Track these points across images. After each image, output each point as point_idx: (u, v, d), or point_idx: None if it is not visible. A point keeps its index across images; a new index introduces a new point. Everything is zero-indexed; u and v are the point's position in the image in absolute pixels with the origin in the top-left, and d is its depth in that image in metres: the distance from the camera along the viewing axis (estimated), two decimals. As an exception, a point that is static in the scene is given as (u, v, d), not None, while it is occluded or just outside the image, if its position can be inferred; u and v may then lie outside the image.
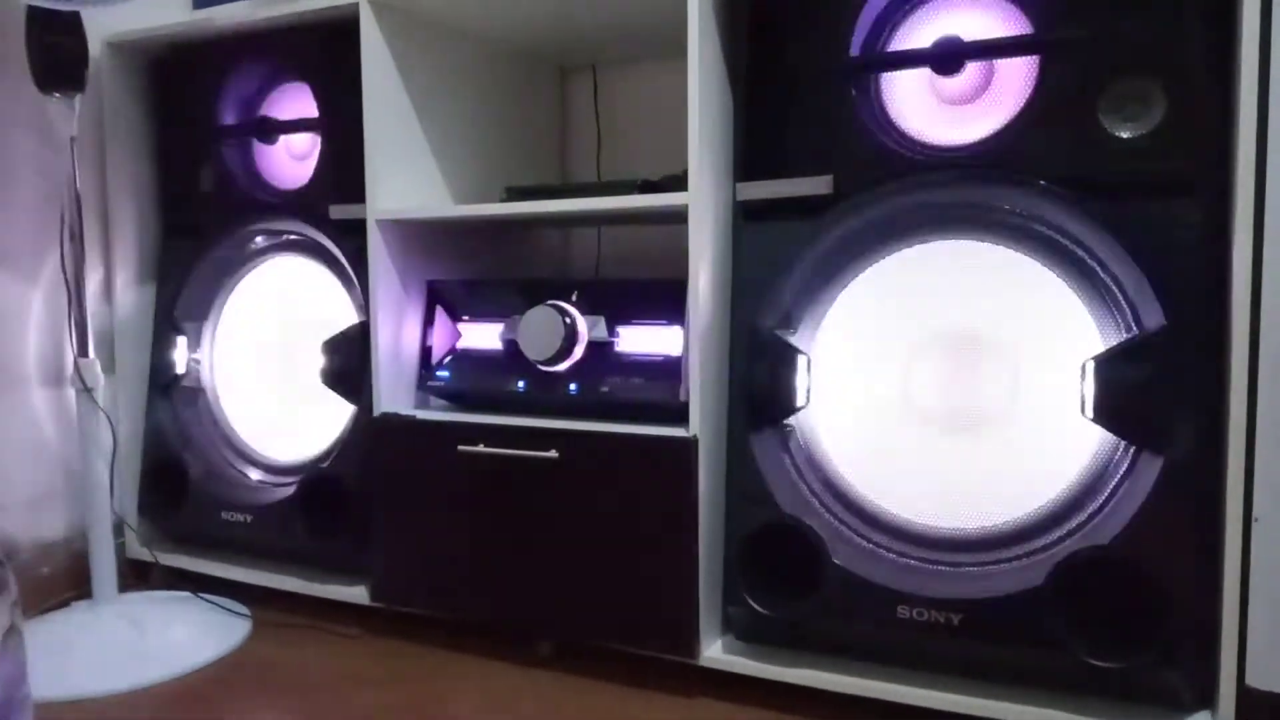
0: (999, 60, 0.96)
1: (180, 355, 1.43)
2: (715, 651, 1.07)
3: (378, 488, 1.23)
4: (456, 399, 1.28)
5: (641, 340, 1.13)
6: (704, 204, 1.05)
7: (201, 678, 1.14)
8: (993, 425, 0.96)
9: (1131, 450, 0.90)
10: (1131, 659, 0.87)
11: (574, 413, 1.17)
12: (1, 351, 1.34)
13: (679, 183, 1.07)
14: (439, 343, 1.27)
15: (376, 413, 1.24)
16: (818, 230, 1.02)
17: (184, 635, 1.24)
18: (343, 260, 1.29)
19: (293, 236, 1.35)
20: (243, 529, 1.35)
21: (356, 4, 1.21)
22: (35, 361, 1.38)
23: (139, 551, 1.45)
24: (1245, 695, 0.86)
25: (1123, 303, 0.90)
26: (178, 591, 1.38)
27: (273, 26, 1.32)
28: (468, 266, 1.41)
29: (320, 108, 1.31)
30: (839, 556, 0.99)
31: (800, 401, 1.02)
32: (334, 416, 1.31)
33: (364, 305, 1.26)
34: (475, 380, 1.23)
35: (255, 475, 1.36)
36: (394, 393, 1.26)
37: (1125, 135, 0.90)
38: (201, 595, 1.36)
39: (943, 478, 0.97)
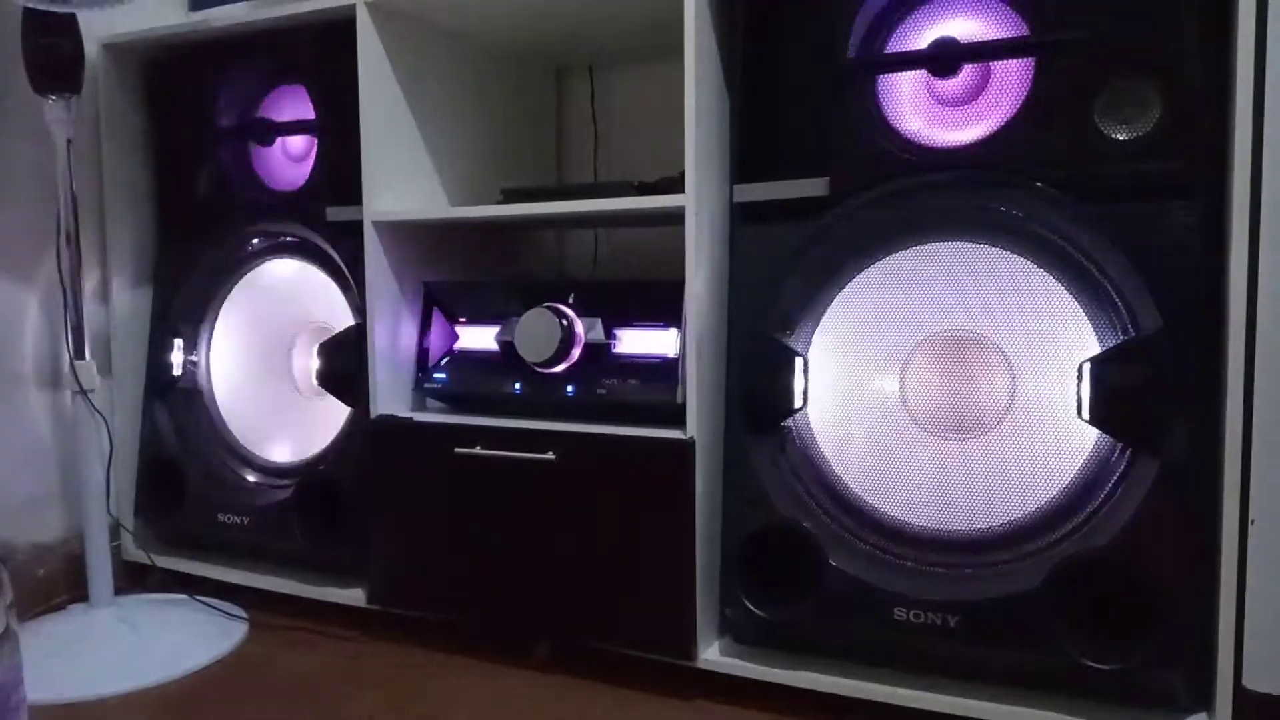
0: (995, 62, 0.96)
1: (177, 357, 1.43)
2: (713, 654, 1.07)
3: (375, 490, 1.23)
4: (453, 401, 1.28)
5: (638, 342, 1.13)
6: (701, 206, 1.05)
7: (198, 680, 1.14)
8: (989, 427, 0.96)
9: (1128, 452, 0.90)
10: (1128, 661, 0.87)
11: (571, 415, 1.17)
12: (-3, 354, 1.34)
13: (676, 184, 1.07)
14: (436, 345, 1.27)
15: (373, 415, 1.24)
16: (815, 232, 1.02)
17: (180, 638, 1.23)
18: (339, 262, 1.29)
19: (289, 238, 1.34)
20: (240, 531, 1.35)
21: (353, 5, 1.21)
22: (32, 364, 1.38)
23: (135, 554, 1.45)
24: (1242, 696, 0.86)
25: (1119, 305, 0.90)
26: (174, 594, 1.38)
27: (269, 28, 1.31)
28: (464, 268, 1.41)
29: (316, 109, 1.31)
30: (836, 559, 0.99)
31: (797, 403, 1.02)
32: (331, 419, 1.31)
33: (360, 307, 1.26)
34: (472, 382, 1.23)
35: (252, 477, 1.36)
36: (391, 395, 1.26)
37: (1121, 137, 0.90)
38: (198, 598, 1.36)
39: (939, 479, 0.98)
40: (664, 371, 1.10)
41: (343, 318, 1.29)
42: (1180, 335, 0.88)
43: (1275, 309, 0.84)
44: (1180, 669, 0.87)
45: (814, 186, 1.02)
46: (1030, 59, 0.93)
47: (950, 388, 0.98)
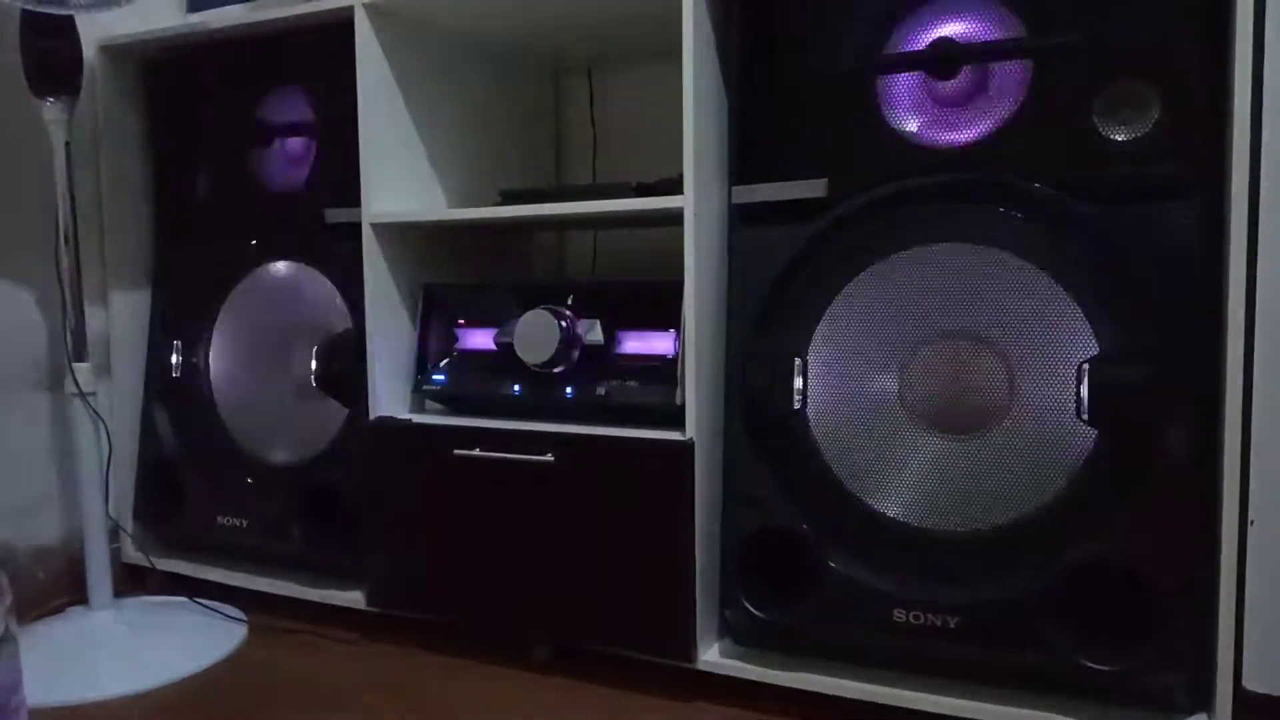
0: (994, 64, 0.96)
1: (175, 359, 1.43)
2: (712, 655, 1.07)
3: (374, 492, 1.23)
4: (452, 403, 1.28)
5: (637, 343, 1.12)
6: (699, 207, 1.05)
7: (198, 683, 1.14)
8: (988, 428, 0.96)
9: (1127, 453, 0.89)
10: (1128, 662, 0.88)
11: (570, 416, 1.16)
12: (-4, 356, 1.34)
13: (675, 186, 1.07)
14: (435, 346, 1.27)
15: (373, 417, 1.24)
16: (813, 233, 1.02)
17: (180, 640, 1.23)
18: (338, 264, 1.29)
19: (288, 240, 1.34)
20: (239, 534, 1.35)
21: (351, 7, 1.21)
22: (31, 366, 1.38)
23: (135, 556, 1.45)
24: (1242, 697, 0.86)
25: (1118, 305, 0.90)
26: (174, 597, 1.38)
27: (267, 30, 1.31)
28: (463, 270, 1.41)
29: (315, 111, 1.31)
30: (835, 560, 0.99)
31: (796, 404, 1.02)
32: (330, 421, 1.31)
33: (359, 309, 1.25)
34: (471, 384, 1.23)
35: (251, 480, 1.36)
36: (390, 397, 1.26)
37: (1120, 138, 0.90)
38: (198, 600, 1.36)
39: (939, 481, 0.97)
40: (663, 373, 1.10)
41: (341, 319, 1.29)
42: (1179, 336, 0.88)
43: (1274, 309, 0.84)
44: (1180, 670, 0.87)
45: (813, 188, 1.02)
46: (1029, 61, 0.93)
47: (949, 389, 0.98)
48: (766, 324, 1.05)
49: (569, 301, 1.16)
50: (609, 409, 1.13)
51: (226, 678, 1.15)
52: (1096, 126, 0.90)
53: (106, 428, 1.29)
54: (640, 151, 1.53)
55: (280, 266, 1.36)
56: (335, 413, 1.30)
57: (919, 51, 0.98)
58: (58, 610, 1.32)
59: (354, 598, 1.28)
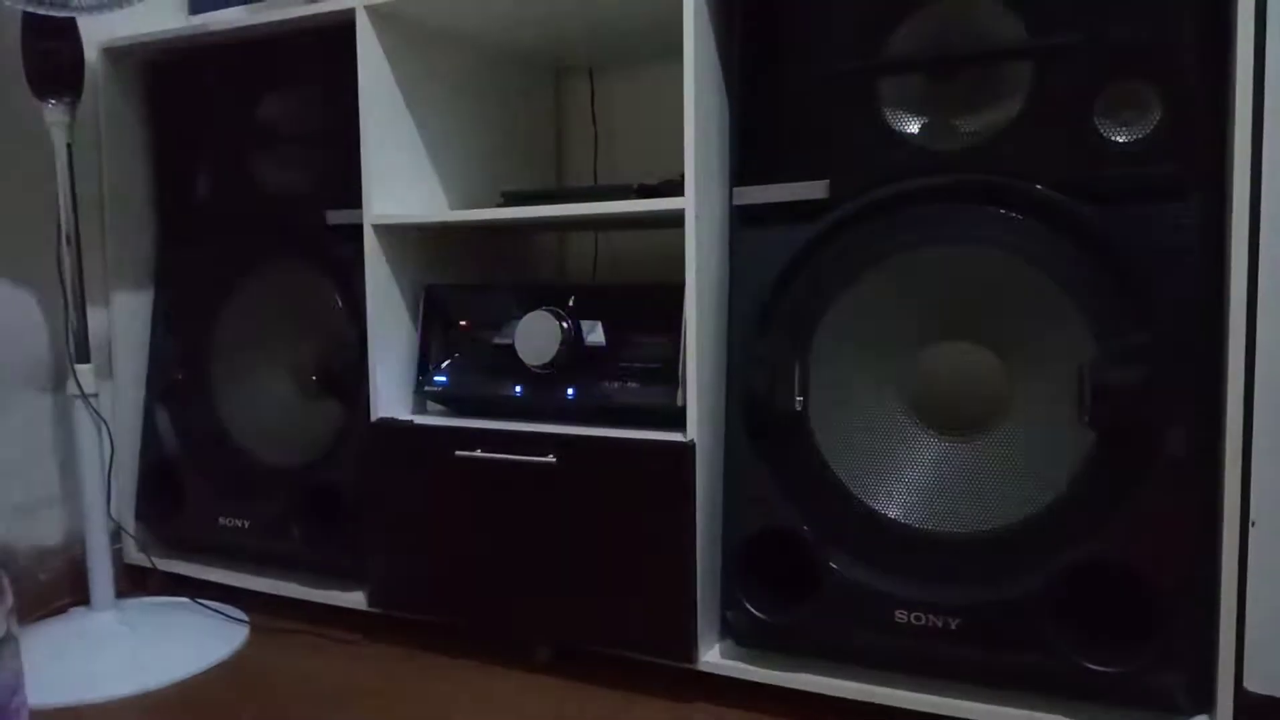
0: (994, 65, 0.96)
1: (178, 361, 1.43)
2: (713, 656, 1.07)
3: (375, 493, 1.23)
4: (454, 404, 1.28)
5: (639, 345, 1.12)
6: (700, 208, 1.05)
7: (199, 684, 1.14)
8: (989, 429, 0.96)
9: (1128, 454, 0.89)
10: (1129, 663, 0.88)
11: (571, 417, 1.17)
12: (-2, 358, 1.34)
13: (676, 187, 1.07)
14: (436, 348, 1.27)
15: (374, 418, 1.24)
16: (814, 234, 1.02)
17: (182, 641, 1.24)
18: (340, 265, 1.29)
19: (289, 241, 1.34)
20: (241, 534, 1.35)
21: (353, 9, 1.22)
22: (33, 367, 1.38)
23: (137, 557, 1.45)
24: (1243, 698, 0.86)
25: (1119, 306, 0.90)
26: (175, 597, 1.38)
27: (268, 32, 1.31)
28: (465, 271, 1.41)
29: (316, 113, 1.31)
30: (837, 561, 0.99)
31: (797, 406, 1.02)
32: (331, 422, 1.31)
33: (361, 310, 1.26)
34: (472, 385, 1.23)
35: (253, 481, 1.36)
36: (391, 398, 1.26)
37: (1121, 139, 0.90)
38: (199, 601, 1.36)
39: (940, 482, 0.98)
40: (664, 374, 1.10)
41: (342, 321, 1.29)
42: (1180, 337, 0.88)
43: (1275, 310, 0.84)
44: (1181, 671, 0.87)
45: (813, 189, 1.02)
46: (1029, 62, 0.93)
47: (950, 390, 0.98)
48: (767, 325, 1.05)
49: (570, 303, 1.16)
50: (610, 410, 1.13)
51: (228, 678, 1.16)
52: (1097, 127, 0.91)
53: (108, 428, 1.29)
54: (642, 153, 1.53)
55: (282, 267, 1.36)
56: (336, 414, 1.30)
57: (919, 53, 0.98)
58: (59, 611, 1.33)
59: (355, 598, 1.28)
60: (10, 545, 1.35)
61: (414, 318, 1.30)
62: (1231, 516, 0.86)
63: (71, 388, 1.23)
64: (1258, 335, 0.85)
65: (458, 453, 1.16)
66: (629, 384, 1.12)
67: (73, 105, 1.22)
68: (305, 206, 1.31)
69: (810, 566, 1.00)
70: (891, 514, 0.99)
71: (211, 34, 1.34)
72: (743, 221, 1.08)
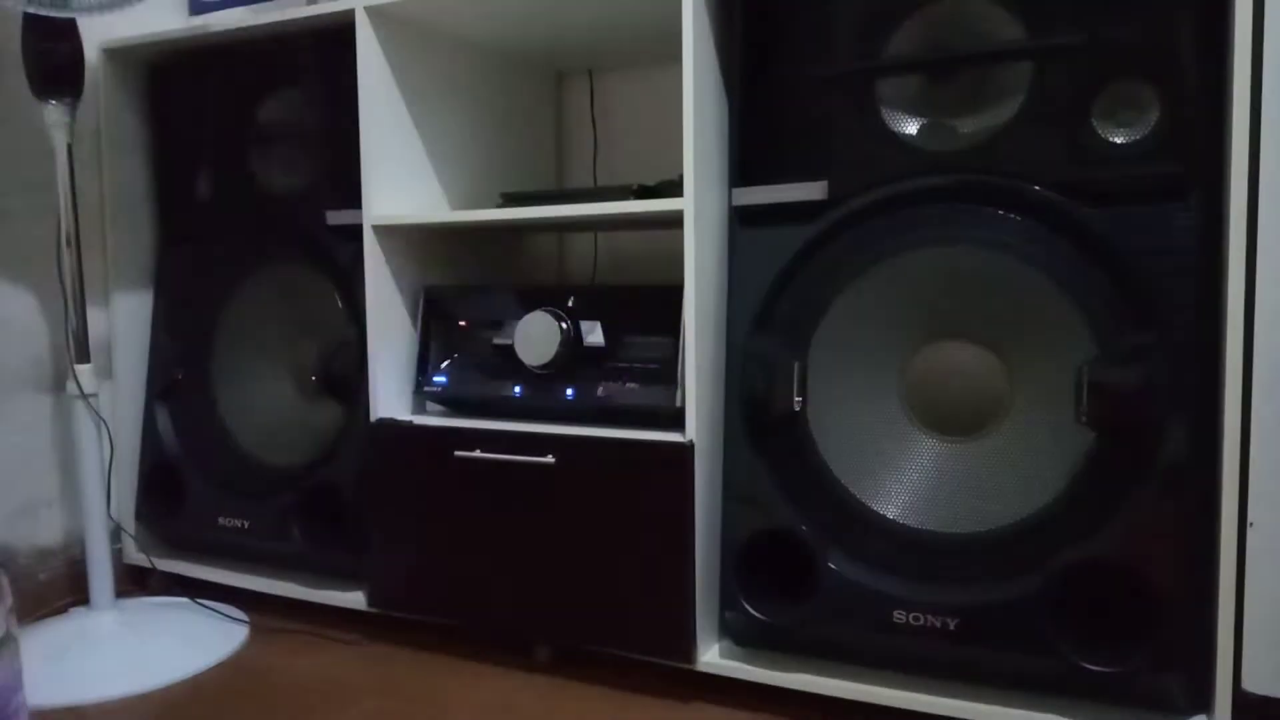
0: (993, 66, 0.96)
1: (178, 361, 1.43)
2: (712, 656, 1.07)
3: (375, 493, 1.23)
4: (453, 404, 1.28)
5: (638, 345, 1.13)
6: (699, 209, 1.05)
7: (199, 684, 1.14)
8: (988, 430, 0.96)
9: (1126, 455, 0.90)
10: (1127, 664, 0.88)
11: (570, 418, 1.17)
12: (-1, 358, 1.35)
13: (675, 188, 1.08)
14: (435, 348, 1.27)
15: (373, 418, 1.24)
16: (813, 235, 1.03)
17: (182, 641, 1.24)
18: (339, 265, 1.29)
19: (289, 242, 1.35)
20: (240, 534, 1.35)
21: (352, 10, 1.22)
22: (33, 367, 1.38)
23: (137, 557, 1.45)
24: (1241, 699, 0.86)
25: (1117, 307, 0.90)
26: (175, 597, 1.38)
27: (269, 33, 1.32)
28: (464, 272, 1.41)
29: (317, 114, 1.31)
30: (835, 561, 0.99)
31: (796, 406, 1.03)
32: (331, 422, 1.31)
33: (361, 310, 1.26)
34: (472, 386, 1.23)
35: (252, 481, 1.36)
36: (391, 398, 1.27)
37: (1119, 140, 0.90)
38: (199, 601, 1.36)
39: (938, 482, 0.98)
40: (663, 375, 1.10)
41: (342, 321, 1.30)
42: (1178, 337, 0.88)
43: (1273, 310, 0.84)
44: (1179, 672, 0.87)
45: (812, 190, 1.02)
46: (1028, 63, 0.94)
47: (949, 390, 0.99)
48: (766, 325, 1.05)
49: (569, 303, 1.16)
50: (609, 411, 1.13)
51: (227, 678, 1.16)
52: (1095, 128, 0.91)
53: (108, 429, 1.29)
54: (642, 153, 1.54)
55: (282, 268, 1.37)
56: (336, 414, 1.30)
57: (918, 54, 0.98)
58: (59, 610, 1.33)
59: (355, 598, 1.28)
60: (10, 545, 1.35)
61: (414, 318, 1.30)
62: (1229, 517, 0.86)
63: (71, 388, 1.24)
64: (1255, 335, 0.85)
65: (457, 453, 1.16)
66: (628, 384, 1.12)
67: (73, 106, 1.22)
68: (305, 207, 1.32)
69: (809, 567, 1.01)
70: (890, 514, 0.99)
71: (212, 34, 1.34)
72: (742, 222, 1.08)
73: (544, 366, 1.15)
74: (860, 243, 1.01)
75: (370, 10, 1.21)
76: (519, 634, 1.18)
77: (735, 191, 1.08)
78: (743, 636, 1.07)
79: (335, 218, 1.28)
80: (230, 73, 1.38)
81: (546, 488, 1.12)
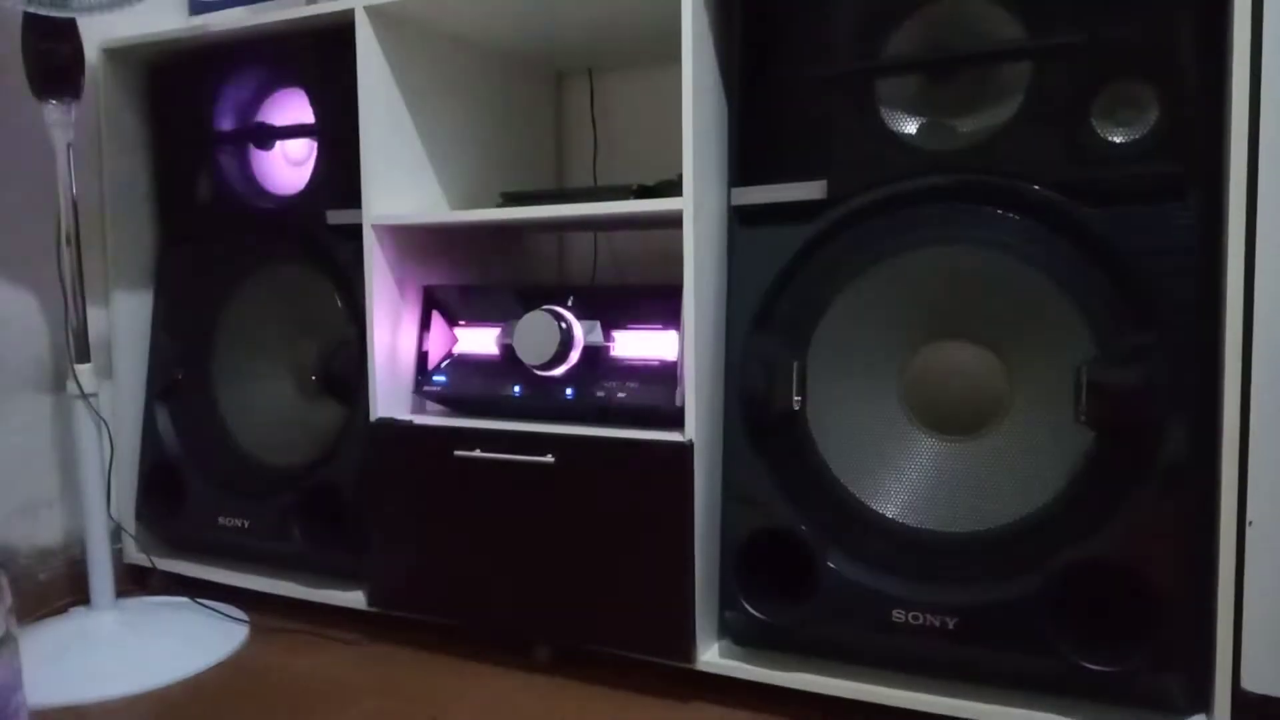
0: (992, 65, 0.96)
1: (178, 361, 1.43)
2: (712, 656, 1.07)
3: (375, 493, 1.23)
4: (453, 404, 1.28)
5: (637, 345, 1.13)
6: (699, 209, 1.05)
7: (199, 683, 1.14)
8: (987, 429, 0.96)
9: (1125, 454, 0.90)
10: (1126, 663, 0.88)
11: (570, 418, 1.17)
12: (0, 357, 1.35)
13: (674, 188, 1.08)
14: (435, 348, 1.27)
15: (373, 418, 1.24)
16: (813, 235, 1.03)
17: (181, 641, 1.24)
18: (339, 265, 1.30)
19: (290, 241, 1.35)
20: (240, 534, 1.35)
21: (352, 10, 1.22)
22: (33, 367, 1.38)
23: (137, 557, 1.45)
24: (1240, 698, 0.86)
25: (1116, 307, 0.90)
26: (176, 597, 1.38)
27: (269, 33, 1.32)
28: (464, 271, 1.41)
29: (316, 113, 1.31)
30: (834, 561, 1.00)
31: (795, 406, 1.03)
32: (331, 422, 1.31)
33: (360, 310, 1.26)
34: (471, 385, 1.23)
35: (252, 480, 1.36)
36: (391, 398, 1.27)
37: (1118, 140, 0.90)
38: (199, 601, 1.36)
39: (937, 482, 0.98)
40: (663, 374, 1.10)
41: (342, 320, 1.30)
42: (1177, 337, 0.88)
43: (1272, 310, 0.84)
44: (1178, 671, 0.87)
45: (811, 190, 1.02)
46: (1027, 62, 0.94)
47: (948, 390, 0.99)
48: (766, 325, 1.05)
49: (569, 303, 1.16)
50: (609, 410, 1.14)
51: (228, 678, 1.16)
52: (1095, 128, 0.91)
53: (108, 429, 1.29)
54: (641, 153, 1.54)
55: (282, 267, 1.37)
56: (336, 414, 1.30)
57: (918, 54, 0.98)
58: (60, 610, 1.33)
59: (355, 598, 1.28)
60: (11, 545, 1.35)
61: (414, 317, 1.30)
62: (1229, 516, 0.86)
63: (71, 388, 1.24)
64: (1255, 334, 0.85)
65: (457, 453, 1.16)
66: (627, 384, 1.12)
67: (73, 105, 1.22)
68: (305, 206, 1.32)
69: (808, 566, 1.01)
70: (889, 514, 0.99)
71: (211, 34, 1.34)
72: (741, 222, 1.08)
73: (543, 366, 1.15)
74: (860, 242, 1.01)
75: (370, 10, 1.21)
76: (519, 634, 1.18)
77: (735, 191, 1.08)
78: (742, 636, 1.07)
79: (335, 217, 1.28)
80: (230, 72, 1.38)
81: (546, 487, 1.12)
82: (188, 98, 1.42)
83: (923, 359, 1.00)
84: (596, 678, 1.13)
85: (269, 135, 1.36)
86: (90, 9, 1.15)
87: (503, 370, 1.20)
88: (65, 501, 1.42)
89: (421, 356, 1.28)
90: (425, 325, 1.28)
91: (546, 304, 1.16)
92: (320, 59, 1.30)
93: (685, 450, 1.04)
